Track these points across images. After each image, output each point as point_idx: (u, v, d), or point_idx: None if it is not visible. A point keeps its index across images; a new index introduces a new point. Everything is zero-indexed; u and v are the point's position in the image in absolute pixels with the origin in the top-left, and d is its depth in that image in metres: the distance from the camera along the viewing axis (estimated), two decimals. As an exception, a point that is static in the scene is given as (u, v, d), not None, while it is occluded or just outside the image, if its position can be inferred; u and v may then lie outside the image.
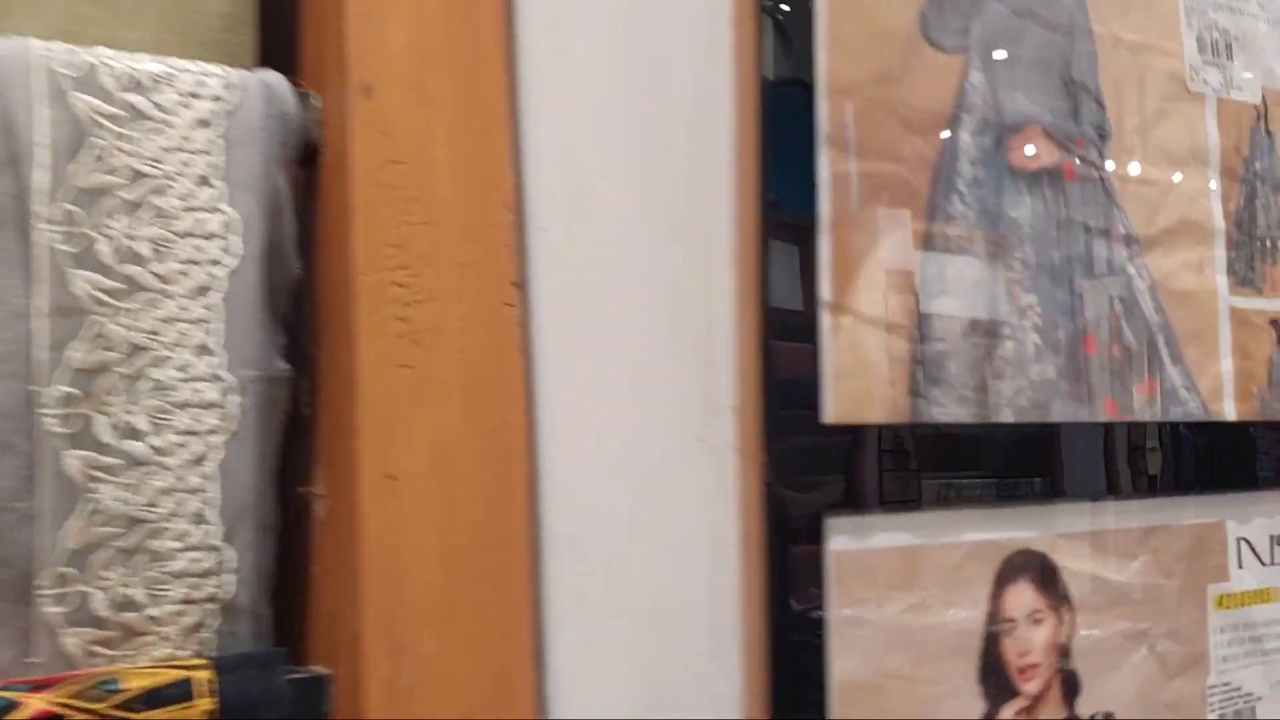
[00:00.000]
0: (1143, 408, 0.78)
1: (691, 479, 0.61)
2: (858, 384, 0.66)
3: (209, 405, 0.53)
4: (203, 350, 0.53)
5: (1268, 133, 0.87)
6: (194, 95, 0.54)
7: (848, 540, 0.65)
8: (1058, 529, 0.73)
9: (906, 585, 0.67)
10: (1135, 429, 0.77)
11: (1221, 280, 0.83)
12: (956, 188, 0.71)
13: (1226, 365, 0.83)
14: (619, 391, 0.60)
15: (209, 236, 0.54)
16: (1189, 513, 0.80)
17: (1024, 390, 0.72)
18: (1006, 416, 0.71)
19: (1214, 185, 0.84)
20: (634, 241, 0.61)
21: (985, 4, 0.73)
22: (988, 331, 0.71)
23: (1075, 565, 0.74)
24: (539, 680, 0.58)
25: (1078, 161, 0.76)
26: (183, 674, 0.48)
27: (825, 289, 0.65)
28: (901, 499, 0.67)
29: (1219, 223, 0.84)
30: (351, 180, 0.55)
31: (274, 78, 0.56)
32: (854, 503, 0.65)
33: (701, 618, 0.62)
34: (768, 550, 0.62)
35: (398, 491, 0.54)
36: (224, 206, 0.54)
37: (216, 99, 0.54)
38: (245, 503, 0.53)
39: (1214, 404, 0.82)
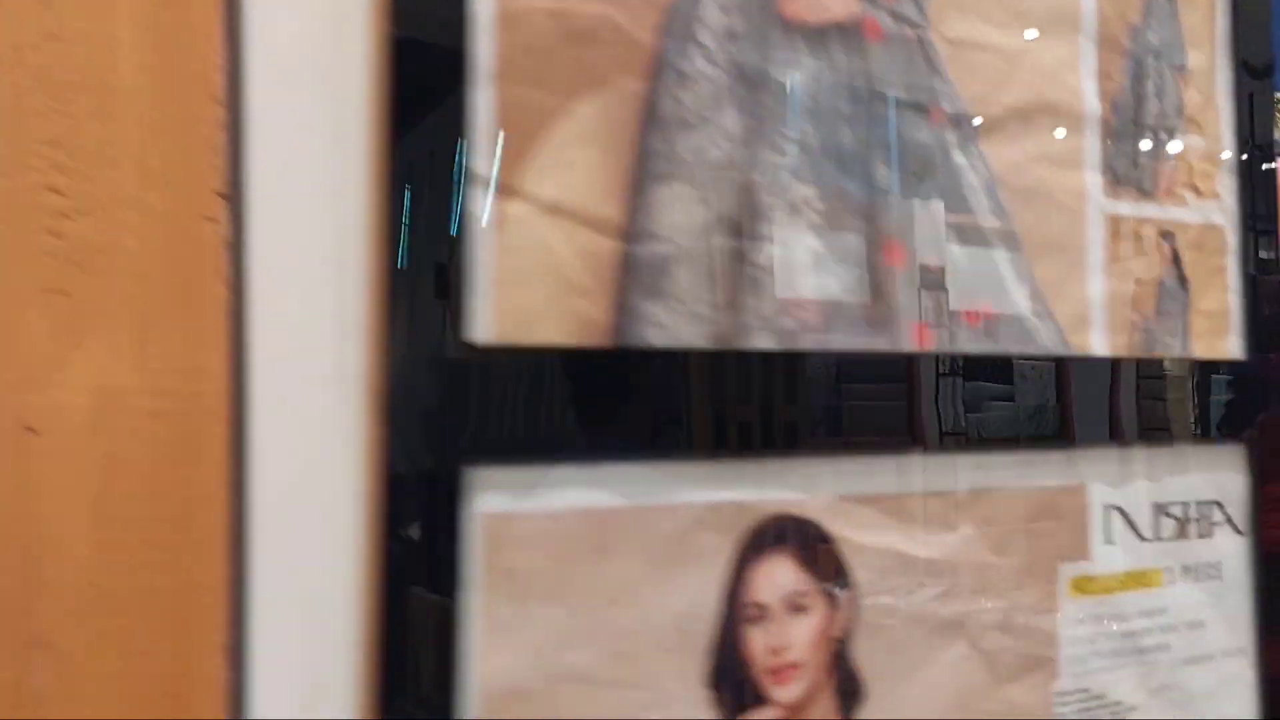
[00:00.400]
0: (971, 336, 0.61)
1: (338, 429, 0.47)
2: (531, 293, 0.50)
3: None
4: None
5: (1169, -2, 0.70)
6: None
7: (507, 500, 0.49)
8: (838, 489, 0.57)
9: (600, 560, 0.51)
10: (957, 363, 0.60)
11: (1092, 179, 0.66)
12: (698, 39, 0.54)
13: (1096, 287, 0.65)
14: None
15: None
16: (1036, 473, 0.63)
17: (791, 308, 0.56)
18: (764, 342, 0.55)
19: (1087, 58, 0.66)
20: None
21: None
22: (740, 230, 0.55)
23: (861, 537, 0.57)
24: (236, 679, 0.44)
25: (886, 16, 0.59)
26: None
27: (483, 163, 0.49)
28: (593, 446, 0.51)
29: (1092, 105, 0.66)
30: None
31: None
32: (517, 450, 0.49)
33: (343, 600, 0.47)
34: (388, 515, 0.47)
35: (38, 449, 0.43)
36: None
37: None
38: None
39: (1076, 335, 0.64)
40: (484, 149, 0.49)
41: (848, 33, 0.58)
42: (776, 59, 0.56)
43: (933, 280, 0.60)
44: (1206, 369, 0.69)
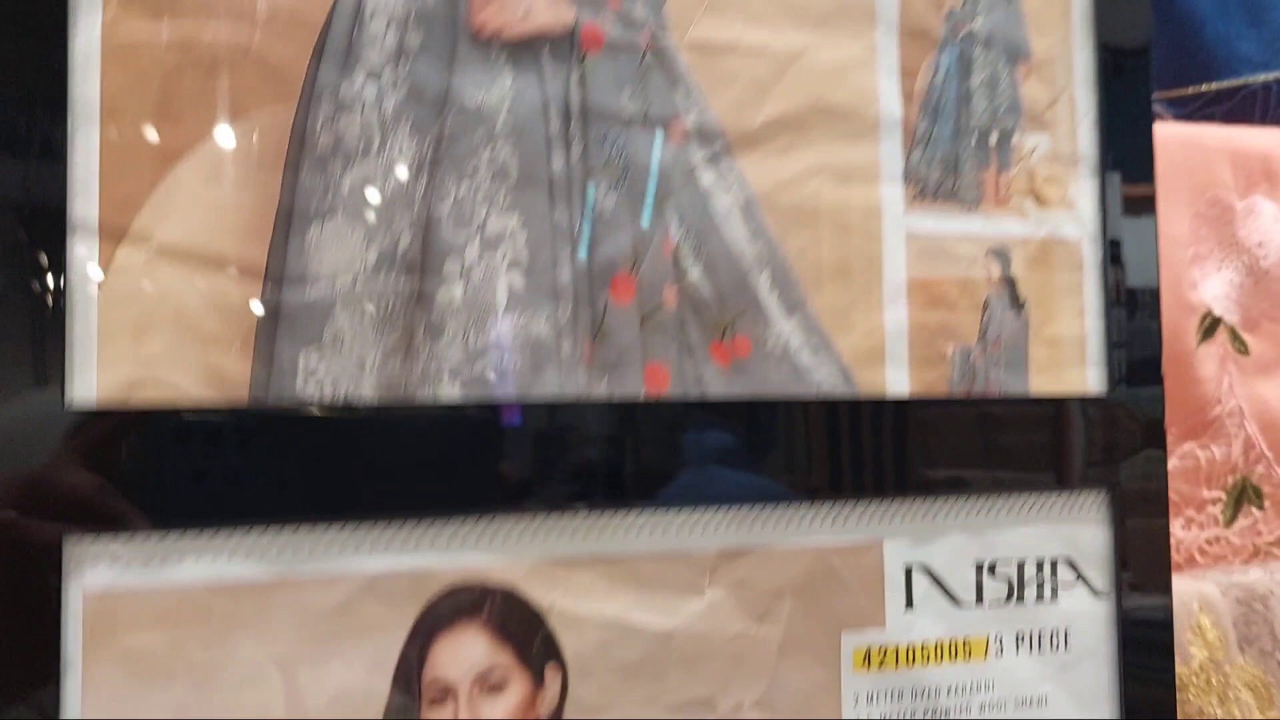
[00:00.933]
0: (720, 376, 0.54)
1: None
2: (147, 347, 0.46)
3: None
4: None
5: (1002, -25, 0.61)
6: None
7: (116, 574, 0.46)
8: (544, 552, 0.51)
9: (235, 638, 0.47)
10: (702, 410, 0.54)
11: (890, 192, 0.58)
12: (362, 61, 0.50)
13: (895, 315, 0.58)
14: None
15: None
16: (809, 530, 0.56)
17: (485, 353, 0.51)
18: (450, 392, 0.50)
19: (886, 53, 0.59)
20: None
21: None
22: (416, 268, 0.50)
23: (576, 605, 0.52)
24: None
25: (611, 23, 0.54)
26: None
27: (88, 206, 0.46)
28: (227, 512, 0.47)
29: (890, 108, 0.58)
30: None
31: None
32: (130, 519, 0.46)
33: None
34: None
35: None
36: None
37: None
38: None
39: (864, 370, 0.57)
40: (86, 193, 0.46)
41: (558, 44, 0.53)
42: (466, 78, 0.51)
43: (667, 317, 0.54)
44: (1054, 406, 0.60)
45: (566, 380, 0.52)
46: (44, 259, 0.45)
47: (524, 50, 0.52)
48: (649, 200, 0.54)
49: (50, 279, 0.45)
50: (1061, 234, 0.62)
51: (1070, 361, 0.61)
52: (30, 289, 0.45)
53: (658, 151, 0.54)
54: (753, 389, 0.55)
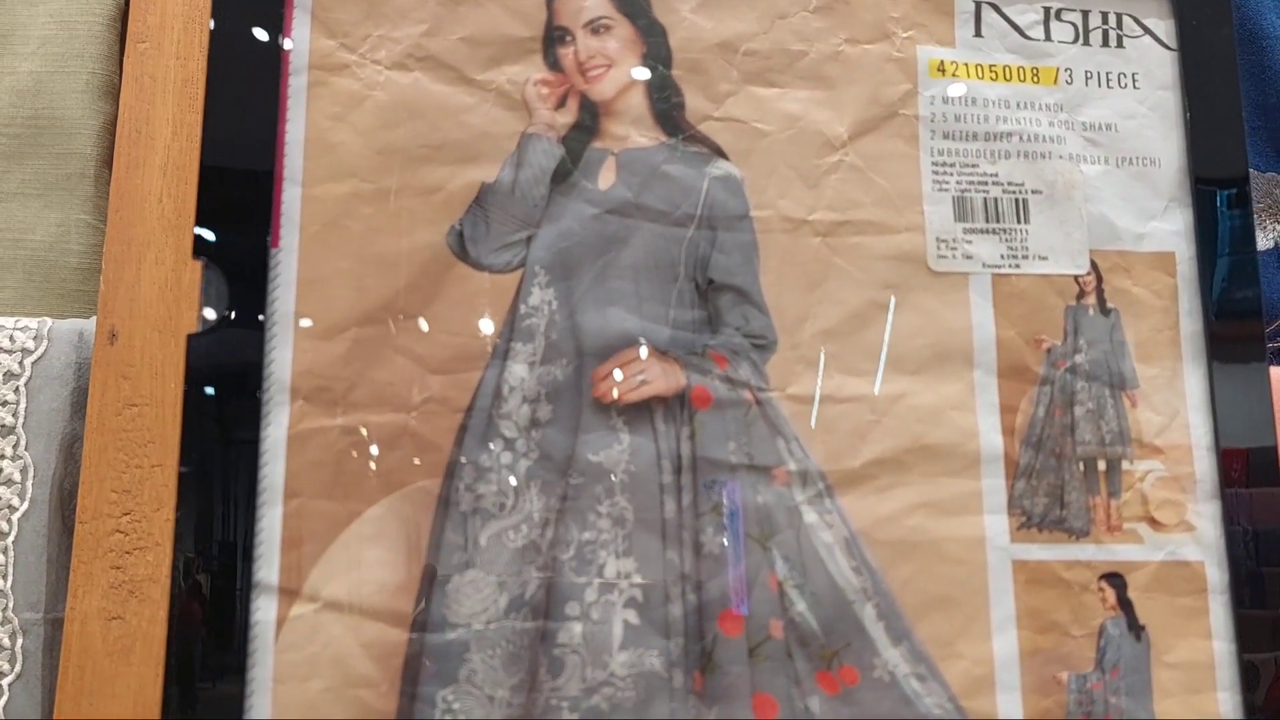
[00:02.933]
0: (828, 705, 0.60)
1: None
2: (313, 688, 0.57)
3: None
4: None
5: (1103, 310, 0.67)
6: (4, 350, 0.62)
7: None
8: None
9: None
10: (807, 737, 0.59)
11: (994, 523, 0.63)
12: (500, 433, 0.61)
13: (1004, 643, 0.62)
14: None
15: (7, 483, 0.61)
16: None
17: (602, 687, 0.59)
18: (570, 723, 0.58)
19: (985, 392, 0.65)
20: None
21: (559, 205, 0.64)
22: (540, 611, 0.59)
23: None
24: None
25: (718, 384, 0.63)
26: None
27: (269, 571, 0.58)
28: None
29: (991, 443, 0.64)
30: (89, 427, 0.59)
31: (91, 325, 0.63)
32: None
33: None
34: None
35: None
36: (21, 452, 0.61)
37: (24, 350, 0.62)
38: None
39: (972, 699, 0.61)
40: (269, 559, 0.58)
41: (670, 404, 0.62)
42: (588, 440, 0.61)
43: (775, 648, 0.60)
44: (1182, 732, 0.62)
45: (678, 710, 0.59)
46: (235, 616, 0.57)
47: (639, 412, 0.62)
48: (757, 540, 0.61)
49: (239, 632, 0.57)
50: (1182, 556, 0.65)
51: (1199, 687, 0.63)
52: (223, 639, 0.57)
53: (764, 495, 0.62)
54: (861, 717, 0.60)
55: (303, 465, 0.59)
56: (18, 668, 0.59)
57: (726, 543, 0.61)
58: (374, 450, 0.60)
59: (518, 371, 0.62)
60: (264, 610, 0.58)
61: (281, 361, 0.60)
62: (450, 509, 0.60)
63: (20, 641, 0.59)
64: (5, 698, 0.58)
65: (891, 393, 0.65)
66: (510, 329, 0.63)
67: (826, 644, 0.61)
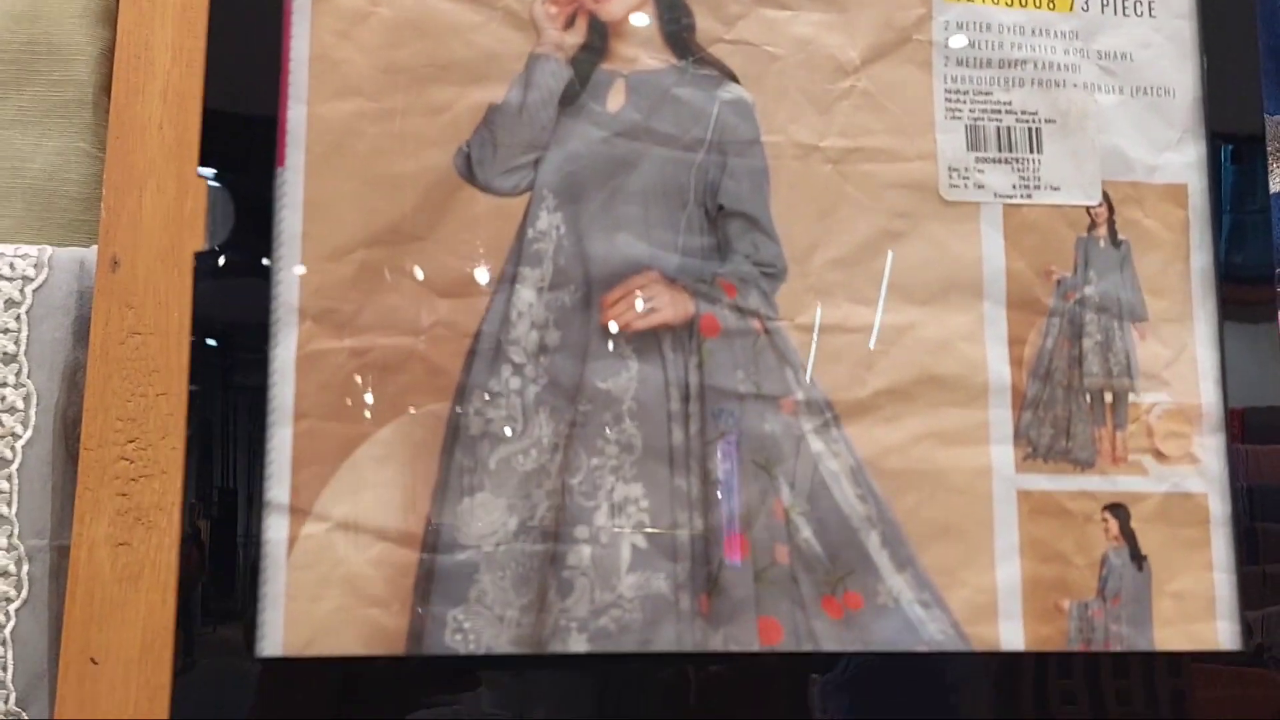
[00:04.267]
0: (832, 629, 0.62)
1: None
2: (323, 607, 0.59)
3: (3, 573, 0.60)
4: (0, 520, 0.61)
5: (1114, 242, 0.68)
6: (4, 277, 0.63)
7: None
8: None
9: None
10: (808, 661, 0.61)
11: (1000, 453, 0.65)
12: (509, 359, 0.62)
13: (1007, 572, 0.64)
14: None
15: (10, 410, 0.62)
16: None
17: (610, 609, 0.61)
18: (578, 645, 0.60)
19: (994, 323, 0.67)
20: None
21: (567, 127, 0.65)
22: (549, 534, 0.61)
23: None
24: None
25: (726, 312, 0.64)
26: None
27: (280, 491, 0.59)
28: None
29: (999, 374, 0.66)
30: (92, 356, 0.61)
31: (92, 254, 0.64)
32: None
33: None
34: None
35: (97, 675, 0.58)
36: (24, 380, 0.62)
37: (25, 278, 0.63)
38: (39, 670, 0.60)
39: (975, 625, 0.63)
40: (279, 479, 0.59)
41: (678, 332, 0.64)
42: (597, 367, 0.63)
43: (780, 573, 0.62)
44: (1179, 662, 0.64)
45: (684, 632, 0.61)
46: (245, 534, 0.59)
47: (648, 339, 0.64)
48: (762, 467, 0.63)
49: (249, 551, 0.59)
50: (1185, 488, 0.66)
51: (1198, 616, 0.65)
52: (233, 559, 0.59)
53: (771, 423, 0.63)
54: (864, 641, 0.62)
55: (311, 387, 0.61)
56: (24, 593, 0.60)
57: (732, 470, 0.63)
58: (383, 373, 0.62)
59: (526, 297, 0.63)
60: (275, 529, 0.59)
61: (289, 283, 0.61)
62: (459, 433, 0.62)
63: (26, 568, 0.60)
64: (13, 623, 0.60)
65: (900, 323, 0.66)
66: (518, 254, 0.64)
67: (831, 570, 0.63)
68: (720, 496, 0.63)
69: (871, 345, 0.65)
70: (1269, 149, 0.86)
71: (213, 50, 0.62)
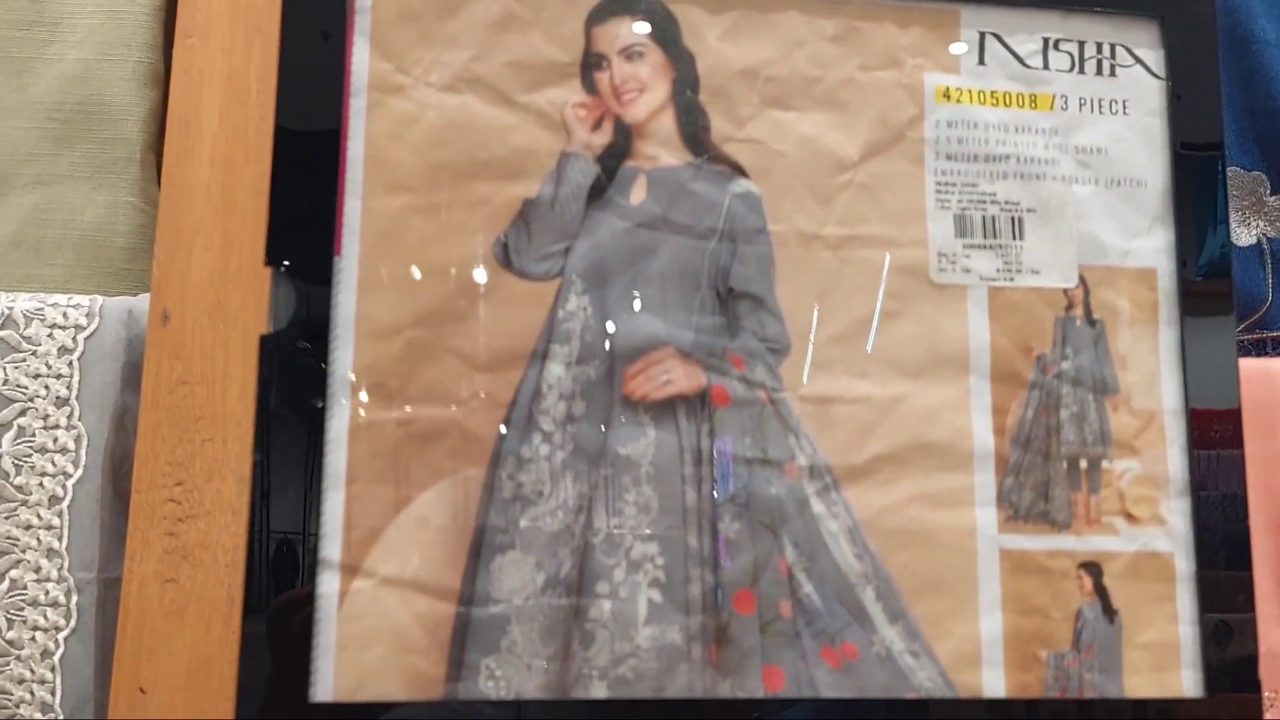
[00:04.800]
0: (830, 677, 0.69)
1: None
2: (370, 655, 0.66)
3: (54, 604, 0.66)
4: (52, 554, 0.67)
5: (1089, 321, 0.75)
6: (59, 326, 0.69)
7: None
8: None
9: None
10: (813, 706, 0.68)
11: (985, 515, 0.72)
12: (539, 427, 0.69)
13: (990, 624, 0.71)
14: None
15: (62, 451, 0.68)
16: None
17: (628, 658, 0.67)
18: (598, 691, 0.67)
19: (979, 395, 0.74)
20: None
21: (595, 219, 0.72)
22: (573, 589, 0.68)
23: None
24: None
25: (736, 384, 0.71)
26: None
27: (333, 549, 0.66)
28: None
29: (983, 442, 0.73)
30: (144, 404, 0.67)
31: (139, 303, 0.70)
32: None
33: None
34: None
35: (145, 704, 0.64)
36: (75, 422, 0.68)
37: (76, 328, 0.69)
38: (85, 695, 0.66)
39: (960, 674, 0.70)
40: (332, 538, 0.66)
41: (692, 402, 0.71)
42: (618, 434, 0.70)
43: (784, 625, 0.69)
44: (1147, 708, 0.71)
45: (696, 680, 0.68)
46: (301, 589, 0.66)
47: (665, 409, 0.71)
48: (767, 527, 0.70)
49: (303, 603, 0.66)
50: (1153, 548, 0.73)
51: (1164, 666, 0.72)
52: (289, 613, 0.65)
53: (776, 486, 0.70)
54: (860, 689, 0.69)
55: (362, 454, 0.68)
56: (73, 623, 0.66)
57: (741, 530, 0.70)
58: (426, 441, 0.69)
59: (555, 371, 0.70)
60: (328, 584, 0.66)
61: (343, 360, 0.69)
62: (494, 495, 0.69)
63: (75, 599, 0.67)
64: (62, 650, 0.66)
65: (893, 394, 0.73)
66: (549, 332, 0.71)
67: (830, 623, 0.70)
68: (729, 555, 0.70)
69: (870, 415, 0.73)
70: (1246, 203, 0.94)
71: (279, 150, 0.69)
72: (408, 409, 0.69)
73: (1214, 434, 0.75)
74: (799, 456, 0.72)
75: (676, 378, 0.72)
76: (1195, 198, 0.78)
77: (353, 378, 0.68)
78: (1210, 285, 0.77)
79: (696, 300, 0.73)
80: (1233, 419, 0.75)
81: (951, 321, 0.75)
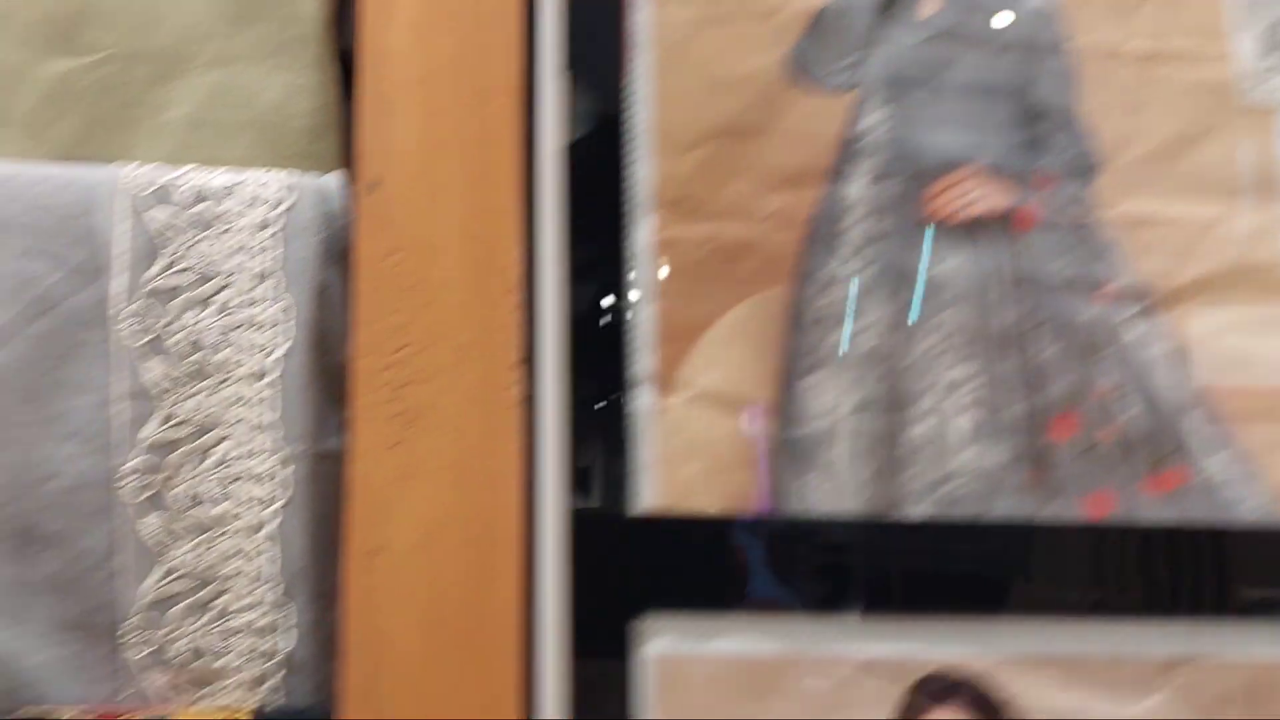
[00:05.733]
0: (1155, 504, 0.66)
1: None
2: (691, 470, 0.64)
3: (266, 477, 0.66)
4: (260, 428, 0.66)
5: None
6: (255, 201, 0.69)
7: (673, 643, 0.62)
8: (1003, 650, 0.64)
9: (763, 702, 0.62)
10: (1133, 534, 0.66)
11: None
12: (840, 246, 0.67)
13: (1325, 450, 0.68)
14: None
15: (266, 326, 0.67)
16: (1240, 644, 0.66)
17: (948, 481, 0.65)
18: (920, 512, 0.65)
19: (1294, 218, 0.71)
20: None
21: (888, 31, 0.70)
22: (890, 409, 0.66)
23: (1040, 698, 0.63)
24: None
25: (1042, 205, 0.69)
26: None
27: (647, 363, 0.65)
28: (748, 601, 0.63)
29: (1304, 263, 0.70)
30: (357, 271, 0.67)
31: (329, 180, 0.70)
32: (686, 603, 0.63)
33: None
34: (571, 658, 0.62)
35: (380, 566, 0.63)
36: (283, 293, 0.68)
37: (275, 203, 0.69)
38: (302, 566, 0.65)
39: (1290, 502, 0.67)
40: (646, 353, 0.65)
41: (1000, 222, 0.69)
42: (924, 254, 0.68)
43: (1105, 451, 0.67)
44: None
45: (1015, 505, 0.66)
46: (619, 405, 0.64)
47: (970, 229, 0.69)
48: (1084, 352, 0.67)
49: (623, 420, 0.65)
50: None
51: None
52: (611, 427, 0.64)
53: (1089, 311, 0.68)
54: (1187, 517, 0.66)
55: (668, 272, 0.66)
56: (289, 494, 0.65)
57: (1058, 354, 0.68)
58: (728, 259, 0.67)
59: (854, 189, 0.68)
60: (644, 398, 0.65)
61: (642, 173, 0.67)
62: (798, 316, 0.67)
63: (288, 471, 0.65)
64: (280, 520, 0.65)
65: (1201, 217, 0.70)
66: (846, 148, 0.69)
67: (1153, 449, 0.68)
68: (1045, 379, 0.68)
69: (1185, 237, 0.70)
70: None
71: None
72: (707, 226, 0.68)
73: None
74: (1115, 278, 0.69)
75: (983, 196, 0.70)
76: None
77: (655, 191, 0.67)
78: None
79: (1000, 117, 0.70)
80: None
81: (1261, 143, 0.72)
